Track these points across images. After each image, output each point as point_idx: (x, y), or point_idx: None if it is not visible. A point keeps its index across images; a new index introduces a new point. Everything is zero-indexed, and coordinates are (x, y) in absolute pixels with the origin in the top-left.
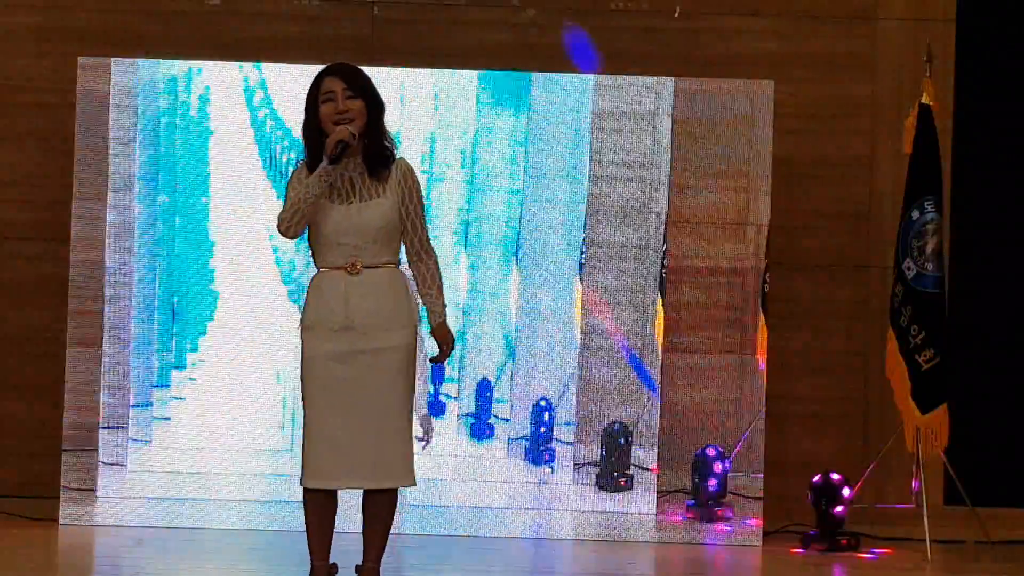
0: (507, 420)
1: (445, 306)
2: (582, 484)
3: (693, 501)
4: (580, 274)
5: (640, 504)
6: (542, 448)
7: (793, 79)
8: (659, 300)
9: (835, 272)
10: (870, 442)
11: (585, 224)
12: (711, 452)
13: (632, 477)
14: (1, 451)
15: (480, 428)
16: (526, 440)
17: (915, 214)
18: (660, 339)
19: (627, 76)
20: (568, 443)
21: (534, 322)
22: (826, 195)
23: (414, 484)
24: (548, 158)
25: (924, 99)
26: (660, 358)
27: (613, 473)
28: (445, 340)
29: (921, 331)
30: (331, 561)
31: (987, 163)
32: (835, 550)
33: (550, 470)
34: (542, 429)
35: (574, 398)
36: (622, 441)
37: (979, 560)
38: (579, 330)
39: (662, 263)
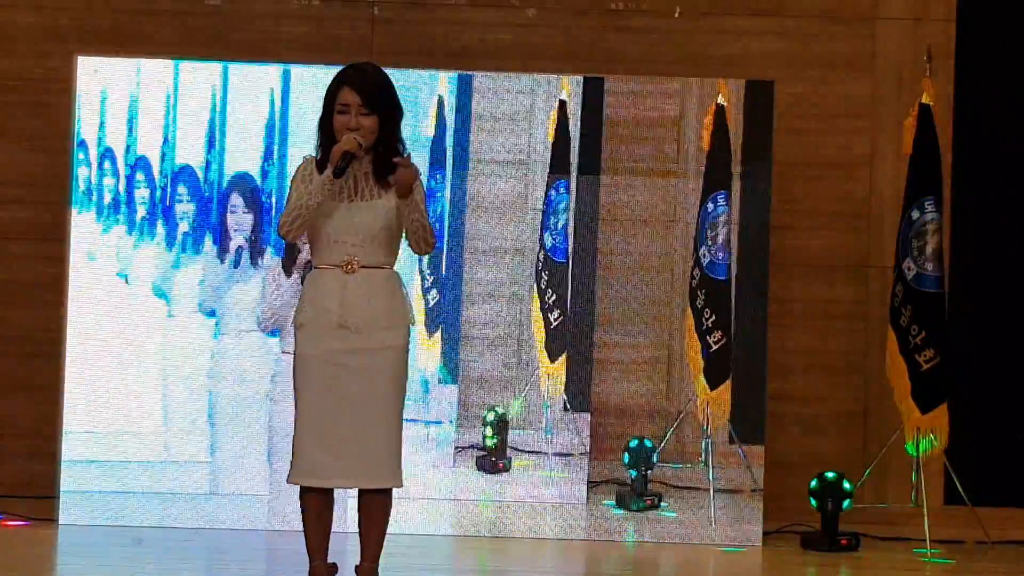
0: None
1: (419, 210)
2: (463, 468)
3: (626, 490)
4: (419, 262)
5: (570, 493)
6: None
7: (793, 79)
8: (535, 292)
9: (835, 272)
10: (870, 442)
11: (465, 219)
12: (641, 444)
13: (510, 460)
14: (1, 451)
15: None
16: None
17: (915, 214)
18: (538, 329)
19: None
20: (428, 423)
21: None
22: (826, 195)
23: (401, 485)
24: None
25: (924, 99)
26: (536, 346)
27: (493, 457)
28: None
29: (921, 331)
30: (331, 561)
31: (987, 163)
32: (835, 550)
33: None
34: None
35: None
36: (500, 426)
37: (979, 560)
38: (417, 315)
39: (539, 257)
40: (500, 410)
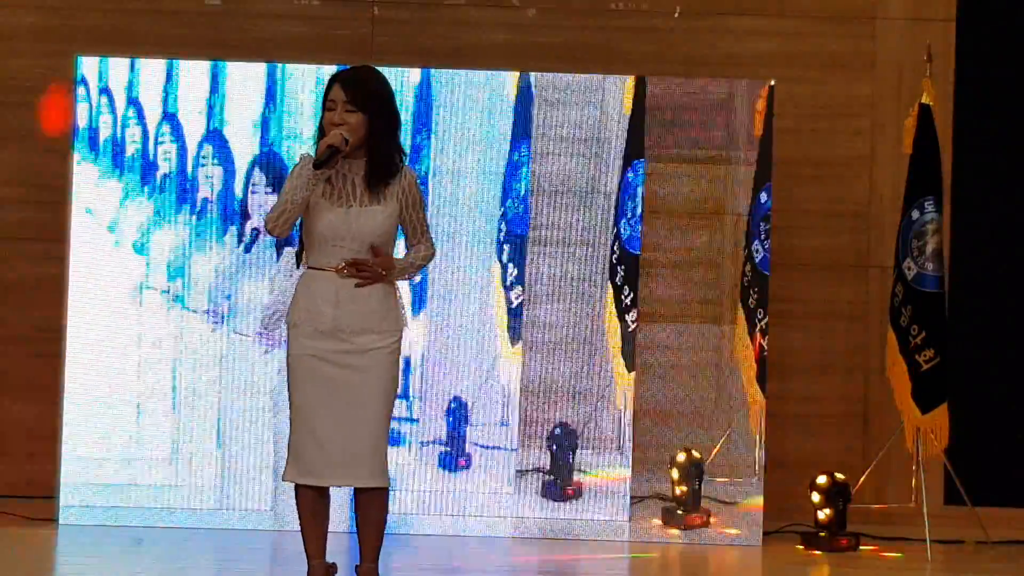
0: (414, 421)
1: (410, 267)
2: (526, 493)
3: (671, 506)
4: (499, 256)
5: (611, 511)
6: (458, 454)
7: (793, 79)
8: (609, 290)
9: (835, 272)
10: (870, 442)
11: (507, 203)
12: (689, 456)
13: (581, 486)
14: (1, 451)
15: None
16: (439, 443)
17: (915, 214)
18: (610, 333)
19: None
20: (489, 447)
21: (447, 310)
22: (826, 195)
23: (387, 485)
24: (462, 140)
25: (924, 99)
26: (610, 353)
27: (558, 481)
28: (378, 254)
29: (921, 331)
30: (330, 560)
31: (987, 163)
32: (835, 550)
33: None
34: (452, 433)
35: (502, 397)
36: (567, 445)
37: (979, 560)
38: (500, 319)
39: (612, 248)
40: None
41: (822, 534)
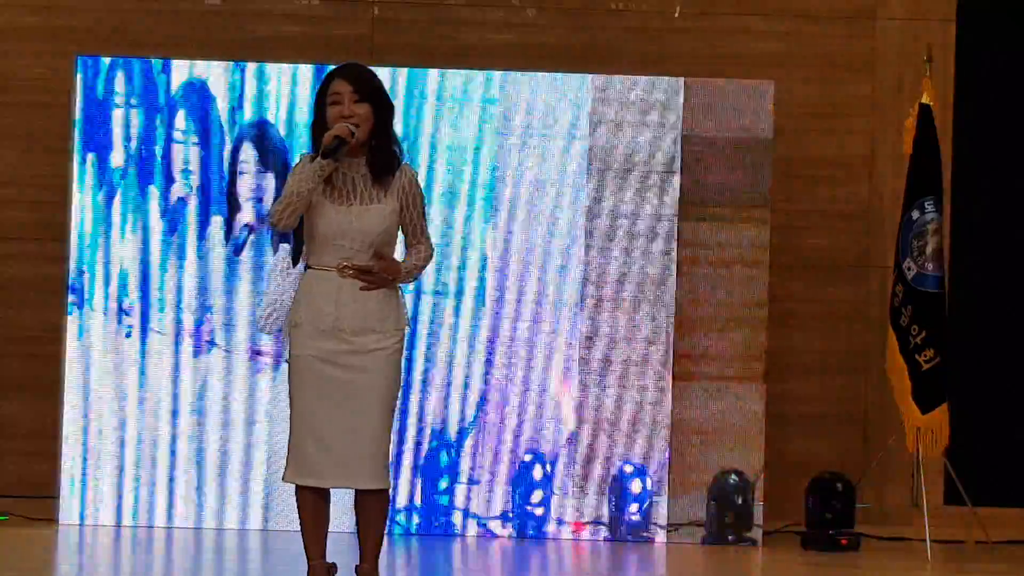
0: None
1: (414, 269)
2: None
3: (707, 534)
4: (585, 251)
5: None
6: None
7: (793, 79)
8: (676, 293)
9: (835, 272)
10: (870, 442)
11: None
12: (732, 479)
13: (653, 537)
14: (1, 451)
15: (433, 497)
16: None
17: (915, 214)
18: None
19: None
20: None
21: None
22: (826, 195)
23: (388, 487)
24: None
25: (924, 99)
26: (672, 370)
27: (628, 532)
28: (382, 258)
29: (921, 331)
30: (330, 560)
31: (987, 163)
32: (835, 550)
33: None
34: (535, 494)
35: (584, 434)
36: (638, 487)
37: (979, 560)
38: (580, 341)
39: (678, 243)
40: (633, 467)
41: (822, 534)
